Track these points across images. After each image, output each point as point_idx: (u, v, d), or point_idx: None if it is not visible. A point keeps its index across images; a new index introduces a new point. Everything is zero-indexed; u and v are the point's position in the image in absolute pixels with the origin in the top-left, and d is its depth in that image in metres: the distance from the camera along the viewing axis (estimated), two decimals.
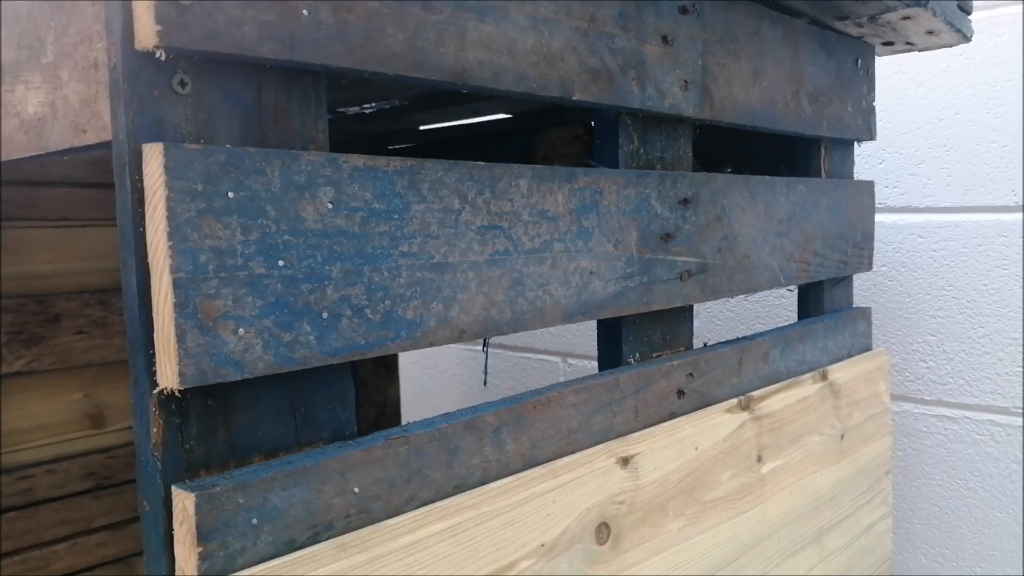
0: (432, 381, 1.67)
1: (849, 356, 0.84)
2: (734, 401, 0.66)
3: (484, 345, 1.15)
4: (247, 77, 0.38)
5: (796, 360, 0.76)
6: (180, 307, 0.34)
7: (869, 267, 0.89)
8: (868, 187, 0.87)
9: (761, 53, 0.68)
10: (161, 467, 0.36)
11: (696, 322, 1.17)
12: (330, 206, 0.39)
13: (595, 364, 0.62)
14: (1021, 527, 1.03)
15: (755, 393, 0.69)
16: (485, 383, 1.54)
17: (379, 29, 0.41)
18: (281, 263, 0.37)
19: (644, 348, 0.61)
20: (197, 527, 0.35)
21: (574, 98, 0.51)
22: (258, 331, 0.37)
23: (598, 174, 0.54)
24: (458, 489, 0.45)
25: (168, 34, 0.33)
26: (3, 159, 0.46)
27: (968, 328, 1.06)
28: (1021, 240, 1.01)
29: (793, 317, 1.11)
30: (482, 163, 0.46)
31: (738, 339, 0.71)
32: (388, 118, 0.98)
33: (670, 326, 0.64)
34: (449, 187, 0.44)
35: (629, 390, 0.57)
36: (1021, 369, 1.02)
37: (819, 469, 0.74)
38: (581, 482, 0.50)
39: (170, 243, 0.34)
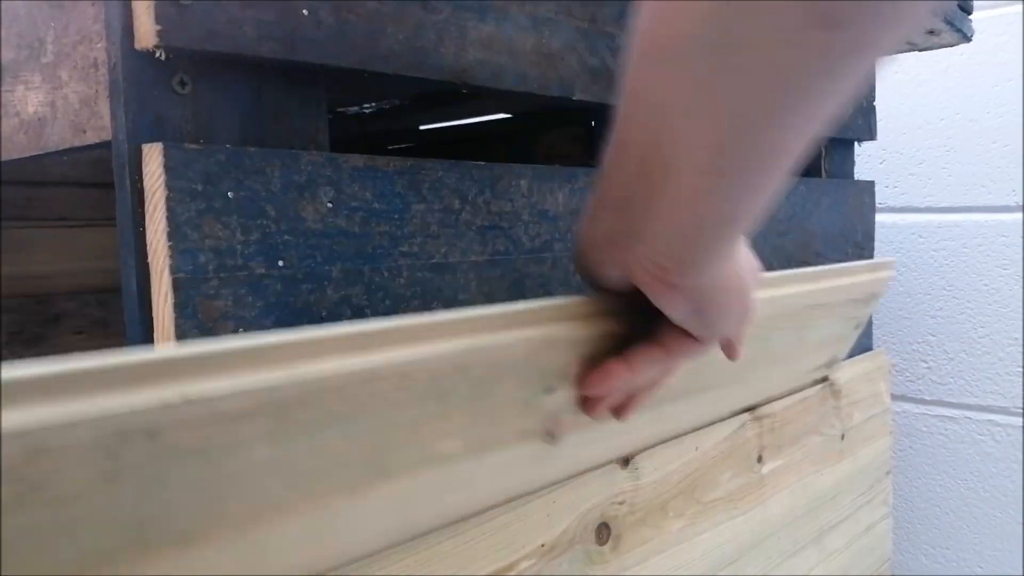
0: None
1: (849, 356, 0.84)
2: None
3: None
4: (247, 77, 0.38)
5: None
6: (180, 308, 0.34)
7: None
8: (868, 187, 0.87)
9: None
10: None
11: None
12: (330, 206, 0.39)
13: None
14: (1021, 527, 1.03)
15: None
16: None
17: (379, 29, 0.41)
18: (281, 263, 0.37)
19: None
20: None
21: (575, 98, 0.51)
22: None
23: None
24: None
25: (168, 34, 0.33)
26: (3, 159, 0.46)
27: (968, 328, 1.06)
28: (1021, 240, 1.01)
29: None
30: (482, 163, 0.46)
31: None
32: (388, 118, 0.97)
33: None
34: (449, 187, 0.44)
35: None
36: (1021, 369, 1.02)
37: (819, 469, 0.74)
38: (581, 482, 0.50)
39: (170, 243, 0.34)
